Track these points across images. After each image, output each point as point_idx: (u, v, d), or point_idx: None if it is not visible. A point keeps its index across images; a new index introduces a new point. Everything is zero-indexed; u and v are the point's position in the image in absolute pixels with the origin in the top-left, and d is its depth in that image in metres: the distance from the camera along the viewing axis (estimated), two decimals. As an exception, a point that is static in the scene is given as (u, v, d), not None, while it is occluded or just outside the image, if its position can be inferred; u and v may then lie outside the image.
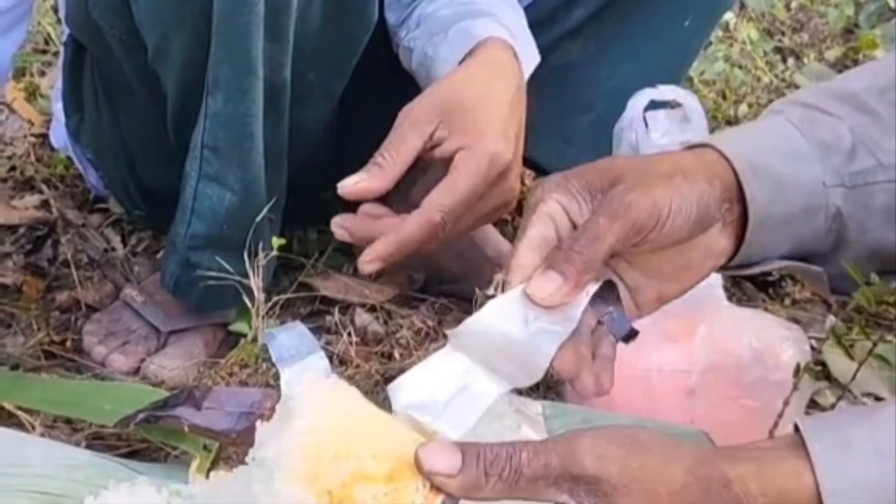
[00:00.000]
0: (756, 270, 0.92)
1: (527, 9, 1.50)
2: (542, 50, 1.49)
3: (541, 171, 1.59)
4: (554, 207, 0.85)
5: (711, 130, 1.87)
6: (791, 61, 2.37)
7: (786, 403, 1.13)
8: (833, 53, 2.28)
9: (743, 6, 2.41)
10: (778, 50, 2.44)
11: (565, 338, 0.80)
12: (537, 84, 1.50)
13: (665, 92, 1.23)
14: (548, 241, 0.84)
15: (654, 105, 1.23)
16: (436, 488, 0.75)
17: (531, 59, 1.31)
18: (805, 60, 2.39)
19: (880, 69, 0.98)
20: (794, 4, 2.63)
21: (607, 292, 0.87)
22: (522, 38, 1.30)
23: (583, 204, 0.84)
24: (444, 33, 1.29)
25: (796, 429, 0.79)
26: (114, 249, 1.61)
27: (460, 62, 1.24)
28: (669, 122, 1.22)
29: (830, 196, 0.91)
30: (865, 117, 0.93)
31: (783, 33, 2.53)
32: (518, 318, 0.80)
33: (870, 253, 0.94)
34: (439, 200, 1.15)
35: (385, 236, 1.14)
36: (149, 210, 1.55)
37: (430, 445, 0.77)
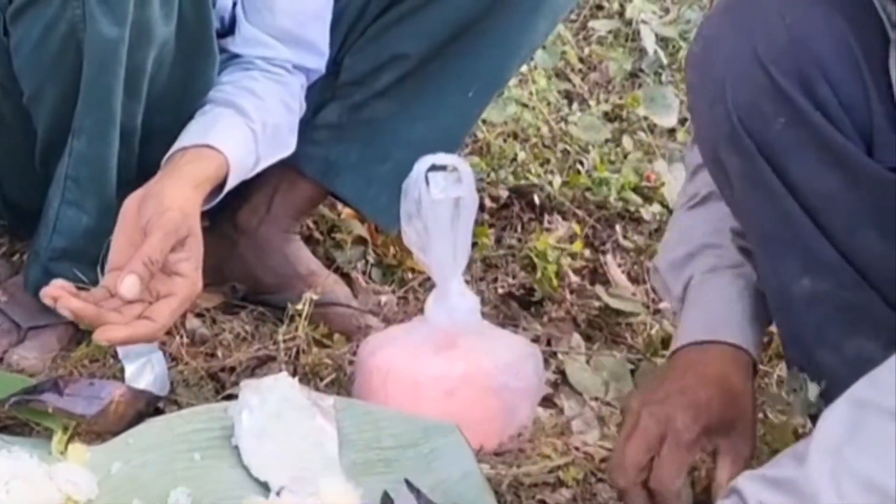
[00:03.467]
0: None
1: (341, 72, 1.81)
2: (355, 106, 1.80)
3: (346, 204, 1.91)
4: None
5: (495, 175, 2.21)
6: (575, 105, 2.71)
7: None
8: (607, 106, 2.63)
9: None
10: (567, 94, 2.77)
11: None
12: (349, 135, 1.81)
13: (443, 158, 1.53)
14: None
15: (434, 167, 1.54)
16: None
17: (267, 158, 1.64)
18: (591, 103, 2.73)
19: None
20: (586, 50, 2.96)
21: None
22: (268, 139, 1.62)
23: None
24: (212, 107, 1.60)
25: None
26: (-25, 253, 1.83)
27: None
28: (446, 181, 1.52)
29: None
30: None
31: (577, 73, 2.85)
32: None
33: None
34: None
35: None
36: (11, 220, 1.80)
37: None
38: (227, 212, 1.80)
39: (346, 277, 1.88)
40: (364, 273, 1.92)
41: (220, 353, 1.65)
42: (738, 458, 1.30)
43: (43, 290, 1.40)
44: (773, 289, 1.33)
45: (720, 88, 1.27)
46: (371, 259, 1.94)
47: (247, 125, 1.61)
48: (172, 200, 1.45)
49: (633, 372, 1.79)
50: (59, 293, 1.38)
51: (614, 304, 1.93)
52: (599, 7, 2.98)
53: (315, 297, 1.64)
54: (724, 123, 1.27)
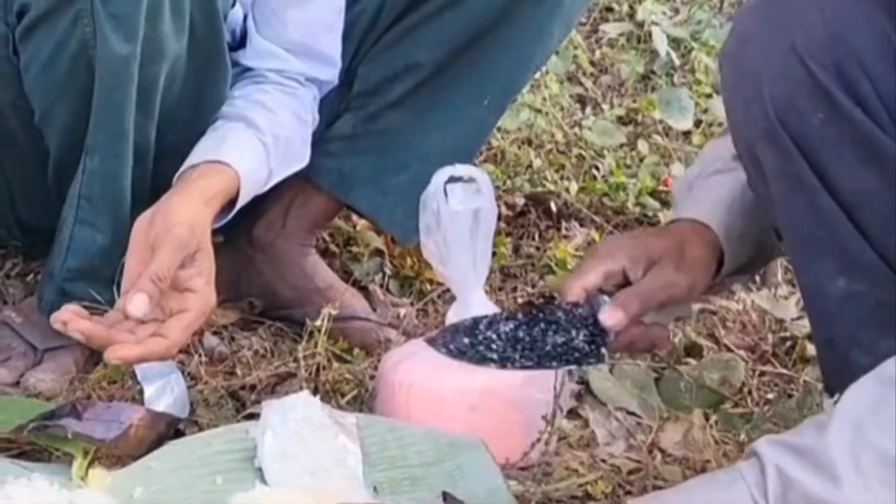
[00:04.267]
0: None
1: (354, 82, 1.79)
2: (369, 117, 1.79)
3: (362, 216, 1.89)
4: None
5: (511, 183, 2.19)
6: (589, 109, 2.69)
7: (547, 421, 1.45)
8: (621, 110, 2.61)
9: (545, 62, 2.70)
10: (580, 98, 2.75)
11: None
12: (364, 146, 1.80)
13: (461, 169, 1.51)
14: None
15: (453, 179, 1.52)
16: None
17: (280, 171, 1.63)
18: (604, 107, 2.71)
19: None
20: (597, 53, 2.94)
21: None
22: (280, 151, 1.61)
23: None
24: (223, 122, 1.59)
25: None
26: (-11, 274, 1.82)
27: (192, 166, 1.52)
28: (464, 193, 1.50)
29: None
30: None
31: (589, 76, 2.83)
32: None
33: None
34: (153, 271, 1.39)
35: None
36: (25, 241, 1.78)
37: None
38: (242, 227, 1.79)
39: (364, 290, 1.86)
40: (382, 286, 1.90)
41: (239, 371, 1.63)
42: (658, 281, 1.37)
43: (53, 315, 1.39)
44: (808, 288, 1.31)
45: (756, 84, 1.25)
46: (388, 271, 1.92)
47: (258, 139, 1.59)
48: (180, 216, 1.44)
49: (657, 381, 1.77)
50: (69, 317, 1.37)
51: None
52: (610, 10, 2.96)
53: (334, 312, 1.61)
54: (761, 119, 1.25)
